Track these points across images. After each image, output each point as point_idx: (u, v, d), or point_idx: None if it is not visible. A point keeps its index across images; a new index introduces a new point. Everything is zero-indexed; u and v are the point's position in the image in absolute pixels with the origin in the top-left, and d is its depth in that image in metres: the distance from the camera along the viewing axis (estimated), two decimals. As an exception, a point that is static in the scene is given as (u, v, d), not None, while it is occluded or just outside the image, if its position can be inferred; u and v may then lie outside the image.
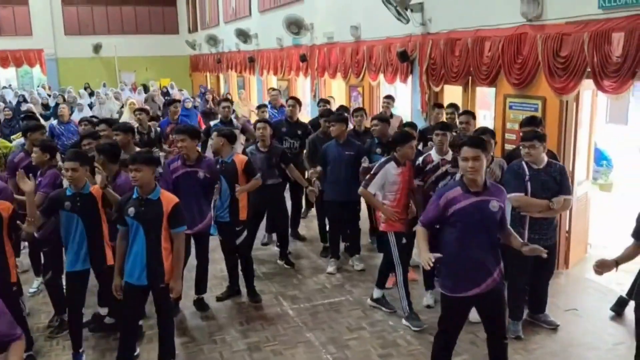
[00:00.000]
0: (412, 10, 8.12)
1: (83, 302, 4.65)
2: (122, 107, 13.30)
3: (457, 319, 3.85)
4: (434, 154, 5.33)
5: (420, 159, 5.36)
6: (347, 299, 5.74)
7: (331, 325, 5.18)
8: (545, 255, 3.70)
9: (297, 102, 7.71)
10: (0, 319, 2.55)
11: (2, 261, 4.11)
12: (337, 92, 11.89)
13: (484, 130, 5.37)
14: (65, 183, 4.69)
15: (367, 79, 10.11)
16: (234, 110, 10.30)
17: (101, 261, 4.52)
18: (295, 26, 12.29)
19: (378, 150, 6.21)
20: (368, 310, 5.45)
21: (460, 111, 6.89)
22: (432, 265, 3.55)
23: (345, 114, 6.82)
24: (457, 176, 4.65)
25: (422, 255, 3.64)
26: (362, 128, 6.95)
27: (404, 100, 9.65)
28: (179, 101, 9.82)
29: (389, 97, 8.20)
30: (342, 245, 6.82)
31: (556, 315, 5.15)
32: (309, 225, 8.12)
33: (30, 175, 4.34)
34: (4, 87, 20.78)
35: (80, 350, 4.55)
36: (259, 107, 9.11)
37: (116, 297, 4.25)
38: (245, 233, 5.68)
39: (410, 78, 8.79)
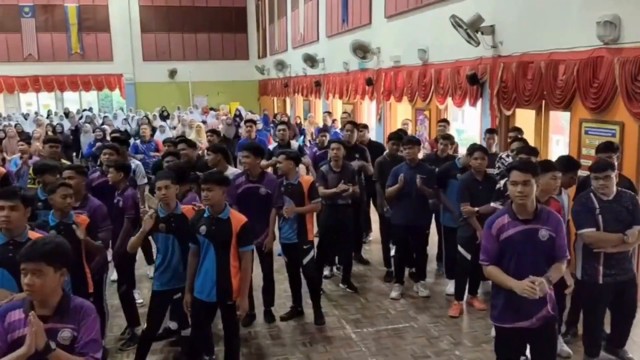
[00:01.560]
0: (482, 33, 8.02)
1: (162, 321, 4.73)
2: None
3: (510, 352, 3.65)
4: None
5: (502, 182, 5.21)
6: (412, 325, 5.63)
7: (395, 352, 5.08)
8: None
9: (355, 126, 7.74)
10: (91, 329, 2.61)
11: (81, 272, 4.29)
12: (403, 115, 11.85)
13: (530, 150, 5.22)
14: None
15: (434, 102, 10.03)
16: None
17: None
18: (362, 50, 12.40)
19: (458, 175, 6.10)
20: (433, 339, 5.32)
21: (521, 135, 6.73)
22: (534, 289, 3.20)
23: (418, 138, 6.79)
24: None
25: (517, 285, 3.27)
26: (445, 154, 6.84)
27: (473, 124, 9.49)
28: (253, 122, 10.01)
29: (444, 121, 8.16)
30: (406, 271, 6.72)
31: (636, 353, 4.84)
32: (371, 249, 8.06)
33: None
34: (84, 110, 22.00)
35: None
36: (320, 131, 9.12)
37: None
38: (312, 253, 5.70)
39: (479, 101, 8.65)
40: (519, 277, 3.33)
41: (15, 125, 14.27)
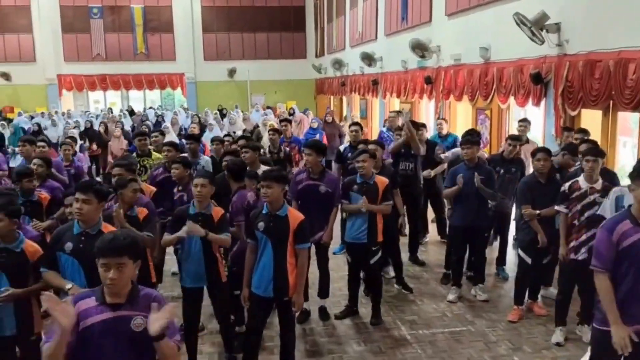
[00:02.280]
0: (547, 31, 7.77)
1: (199, 317, 4.86)
2: (256, 127, 13.99)
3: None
4: (582, 181, 4.95)
5: (567, 184, 5.03)
6: (469, 329, 5.53)
7: (451, 355, 5.01)
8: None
9: (422, 125, 7.65)
10: (173, 330, 2.69)
11: (145, 264, 4.43)
12: (463, 115, 11.64)
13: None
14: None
15: (495, 101, 9.79)
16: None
17: (218, 277, 4.65)
18: (421, 49, 12.25)
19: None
20: (491, 343, 5.20)
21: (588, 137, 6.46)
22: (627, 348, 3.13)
23: (478, 138, 6.65)
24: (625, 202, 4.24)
25: (618, 332, 3.17)
26: (512, 156, 6.69)
27: (536, 124, 9.21)
28: (288, 121, 10.08)
29: (525, 121, 7.78)
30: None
31: None
32: (428, 250, 7.96)
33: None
34: (150, 108, 22.74)
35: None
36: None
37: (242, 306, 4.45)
38: (379, 254, 5.66)
39: (543, 101, 8.39)
40: (636, 290, 3.24)
41: (85, 122, 14.83)
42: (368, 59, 16.61)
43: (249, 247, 4.41)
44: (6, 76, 24.48)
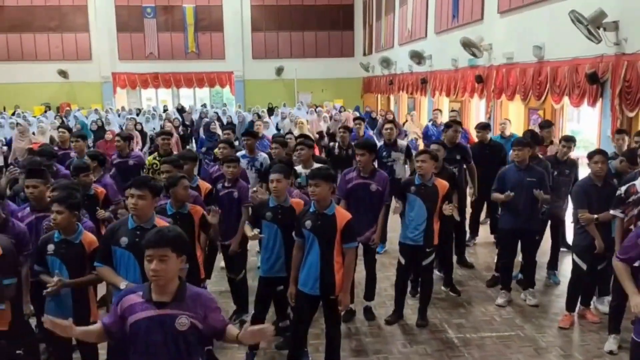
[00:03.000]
0: (604, 29, 7.51)
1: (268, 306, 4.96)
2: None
3: None
4: (639, 185, 4.78)
5: (623, 188, 4.85)
6: (518, 334, 5.40)
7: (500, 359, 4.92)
8: None
9: (459, 124, 7.50)
10: (217, 316, 2.77)
11: (194, 259, 4.54)
12: (515, 114, 11.38)
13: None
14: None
15: (549, 101, 9.53)
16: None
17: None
18: (472, 47, 12.04)
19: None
20: (540, 349, 5.07)
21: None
22: None
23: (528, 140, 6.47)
24: None
25: (634, 299, 3.35)
26: (565, 157, 6.50)
27: (591, 125, 8.93)
28: (362, 119, 10.07)
29: (570, 141, 7.56)
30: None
31: None
32: (477, 253, 7.83)
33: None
34: (209, 105, 23.16)
35: (255, 351, 4.85)
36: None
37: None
38: (433, 256, 5.59)
39: (599, 102, 8.11)
40: None
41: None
42: (417, 57, 16.44)
43: (296, 245, 4.43)
44: (64, 74, 25.41)
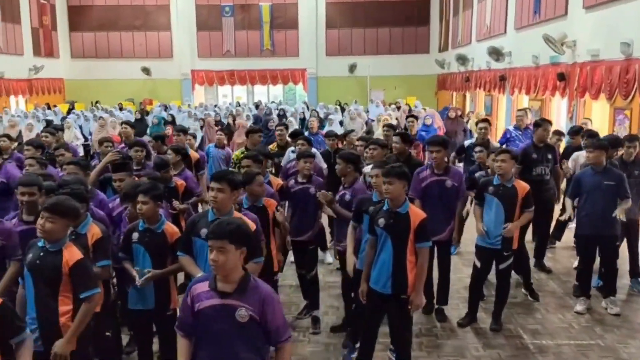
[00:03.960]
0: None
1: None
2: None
3: None
4: None
5: None
6: (598, 343, 5.17)
7: (578, 369, 4.73)
8: None
9: (549, 123, 7.22)
10: (279, 314, 2.82)
11: (268, 252, 4.63)
12: (599, 114, 10.84)
13: None
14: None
15: (637, 100, 9.01)
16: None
17: None
18: (555, 43, 11.56)
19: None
20: (622, 360, 4.84)
21: None
22: None
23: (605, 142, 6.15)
24: None
25: None
26: (632, 158, 6.20)
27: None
28: (415, 117, 9.93)
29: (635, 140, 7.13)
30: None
31: None
32: (556, 257, 7.53)
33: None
34: (272, 102, 23.57)
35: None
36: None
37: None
38: (511, 260, 5.44)
39: (695, 101, 7.59)
40: None
41: (215, 115, 15.72)
42: (496, 53, 15.97)
43: (369, 242, 4.44)
44: (147, 71, 26.55)
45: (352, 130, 9.63)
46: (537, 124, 7.00)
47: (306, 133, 10.40)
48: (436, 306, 5.74)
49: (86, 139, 13.56)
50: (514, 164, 5.38)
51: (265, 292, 2.78)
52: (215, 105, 20.84)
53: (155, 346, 4.39)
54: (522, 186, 5.29)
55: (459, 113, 12.88)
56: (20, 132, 12.89)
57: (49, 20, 25.23)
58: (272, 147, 7.95)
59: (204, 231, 3.79)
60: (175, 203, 5.47)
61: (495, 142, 8.00)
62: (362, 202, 4.63)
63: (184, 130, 8.11)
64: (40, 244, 3.46)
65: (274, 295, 2.85)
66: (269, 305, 2.75)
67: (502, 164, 5.20)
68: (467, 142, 7.47)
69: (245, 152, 7.07)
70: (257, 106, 20.88)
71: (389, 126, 8.39)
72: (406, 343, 4.44)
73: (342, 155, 5.25)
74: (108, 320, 3.94)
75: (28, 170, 5.39)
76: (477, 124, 7.58)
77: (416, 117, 9.50)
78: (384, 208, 4.28)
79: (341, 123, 14.95)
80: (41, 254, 3.43)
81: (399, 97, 22.47)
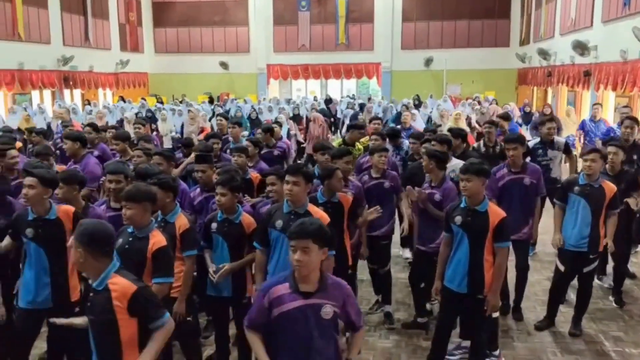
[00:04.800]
0: None
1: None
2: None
3: None
4: None
5: None
6: (688, 355, 4.86)
7: (665, 381, 4.47)
8: None
9: (636, 122, 6.81)
10: (356, 304, 2.93)
11: (343, 248, 4.66)
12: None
13: None
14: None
15: None
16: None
17: None
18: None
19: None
20: None
21: None
22: None
23: None
24: None
25: None
26: None
27: None
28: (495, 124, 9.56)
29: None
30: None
31: None
32: (642, 262, 7.15)
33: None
34: (347, 96, 23.59)
35: None
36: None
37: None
38: (596, 263, 5.23)
39: None
40: None
41: (293, 109, 15.88)
42: (581, 47, 15.25)
43: (444, 240, 4.38)
44: (225, 65, 27.27)
45: (440, 126, 9.47)
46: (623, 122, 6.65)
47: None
48: (512, 304, 5.58)
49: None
50: (602, 164, 5.14)
51: (345, 286, 2.88)
52: (290, 100, 21.12)
53: (232, 330, 4.54)
54: (610, 187, 5.04)
55: (548, 111, 12.38)
56: (107, 123, 13.60)
57: (135, 16, 26.44)
58: (365, 140, 7.98)
59: (279, 223, 3.89)
60: (247, 198, 5.62)
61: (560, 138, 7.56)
62: (452, 210, 4.33)
63: (238, 123, 8.25)
64: (129, 230, 3.68)
65: (348, 287, 2.92)
66: (350, 298, 2.87)
67: (591, 163, 4.97)
68: (531, 143, 7.11)
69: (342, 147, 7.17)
70: (329, 100, 20.96)
71: (491, 123, 7.79)
72: (480, 344, 4.35)
73: (427, 152, 5.19)
74: (188, 305, 4.10)
75: (136, 162, 5.70)
76: (544, 123, 7.19)
77: (495, 124, 8.84)
78: (462, 205, 4.20)
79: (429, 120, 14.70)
80: (130, 239, 3.64)
81: (477, 92, 21.90)
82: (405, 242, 7.02)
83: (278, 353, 2.82)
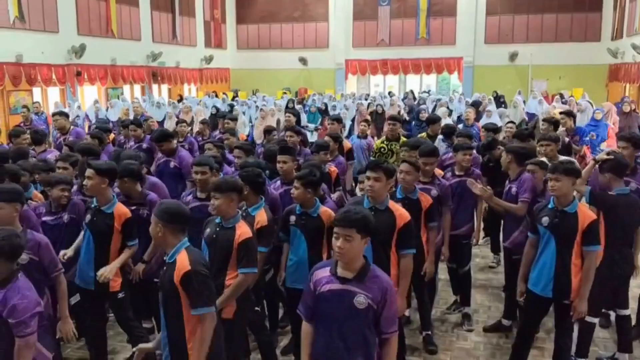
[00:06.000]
0: None
1: None
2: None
3: None
4: None
5: None
6: None
7: None
8: None
9: None
10: (394, 306, 2.88)
11: (419, 245, 4.57)
12: None
13: None
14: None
15: None
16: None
17: None
18: None
19: None
20: None
21: None
22: None
23: None
24: None
25: None
26: None
27: None
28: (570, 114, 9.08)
29: None
30: None
31: None
32: None
33: None
34: (424, 92, 23.21)
35: None
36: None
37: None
38: None
39: None
40: None
41: (369, 105, 15.84)
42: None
43: (529, 241, 4.22)
44: (304, 61, 27.54)
45: (511, 121, 9.15)
46: None
47: (460, 125, 10.11)
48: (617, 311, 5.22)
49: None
50: None
51: (387, 281, 2.87)
52: (368, 95, 21.02)
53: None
54: None
55: (634, 107, 11.58)
56: (192, 117, 14.11)
57: (219, 13, 27.24)
58: (422, 136, 7.83)
59: None
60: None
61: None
62: (539, 210, 4.17)
63: (338, 120, 8.29)
64: (217, 220, 3.81)
65: (392, 287, 2.89)
66: (389, 295, 2.82)
67: None
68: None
69: (385, 142, 7.09)
70: (412, 97, 20.67)
71: (548, 121, 7.75)
72: (565, 350, 4.17)
73: (507, 148, 5.03)
74: (257, 296, 4.21)
75: (207, 153, 5.92)
76: None
77: (570, 114, 8.46)
78: (549, 206, 4.03)
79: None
80: (217, 229, 3.78)
81: (564, 89, 20.91)
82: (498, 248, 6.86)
83: (315, 334, 2.91)
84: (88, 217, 4.28)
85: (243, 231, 3.69)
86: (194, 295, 2.99)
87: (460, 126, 9.73)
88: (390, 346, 2.87)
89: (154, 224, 3.09)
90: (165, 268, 3.13)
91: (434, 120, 8.01)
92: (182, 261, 3.02)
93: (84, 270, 4.27)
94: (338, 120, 8.49)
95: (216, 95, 20.64)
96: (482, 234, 6.47)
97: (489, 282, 6.45)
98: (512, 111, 13.75)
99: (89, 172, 4.22)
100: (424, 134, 7.98)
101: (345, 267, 2.81)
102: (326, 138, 6.66)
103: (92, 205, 4.29)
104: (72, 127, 8.46)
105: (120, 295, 4.27)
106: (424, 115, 11.19)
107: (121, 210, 4.27)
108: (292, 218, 4.32)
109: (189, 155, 6.55)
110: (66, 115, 8.49)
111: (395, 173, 4.18)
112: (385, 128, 7.38)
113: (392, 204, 3.91)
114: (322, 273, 2.89)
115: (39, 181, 5.14)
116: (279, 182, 5.22)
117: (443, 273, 6.07)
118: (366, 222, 2.80)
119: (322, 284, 2.85)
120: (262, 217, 4.18)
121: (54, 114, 8.62)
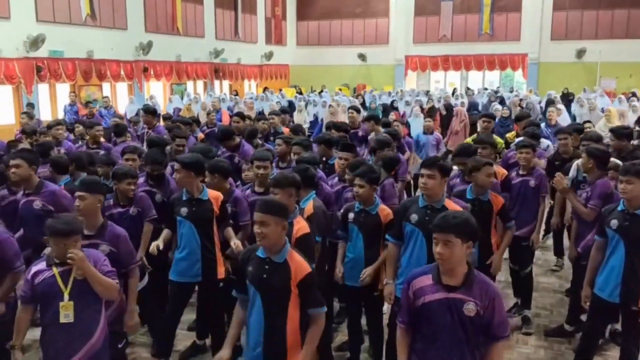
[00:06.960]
0: None
1: None
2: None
3: None
4: None
5: None
6: None
7: None
8: None
9: None
10: (503, 310, 2.81)
11: (487, 247, 4.50)
12: None
13: None
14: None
15: None
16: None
17: None
18: None
19: None
20: None
21: None
22: None
23: None
24: None
25: None
26: None
27: None
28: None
29: None
30: None
31: None
32: None
33: None
34: (485, 89, 22.62)
35: None
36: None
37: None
38: None
39: None
40: None
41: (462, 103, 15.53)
42: None
43: (596, 244, 4.08)
44: (363, 57, 27.47)
45: (588, 121, 8.82)
46: None
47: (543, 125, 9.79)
48: None
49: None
50: None
51: (493, 287, 2.78)
52: (428, 92, 20.73)
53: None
54: None
55: None
56: (256, 113, 14.35)
57: (280, 10, 27.55)
58: (511, 135, 7.70)
59: (414, 217, 3.84)
60: None
61: None
62: (608, 213, 4.00)
63: (357, 110, 8.46)
64: None
65: (498, 290, 2.81)
66: (497, 300, 2.73)
67: None
68: None
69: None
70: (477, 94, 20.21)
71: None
72: (631, 358, 4.00)
73: (588, 150, 4.84)
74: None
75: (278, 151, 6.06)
76: None
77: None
78: (619, 208, 3.88)
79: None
80: None
81: (635, 87, 19.95)
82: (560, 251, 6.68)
83: (417, 344, 2.82)
84: (184, 209, 4.32)
85: (301, 226, 3.71)
86: (312, 297, 3.04)
87: (543, 125, 9.43)
88: (499, 350, 2.78)
89: (275, 225, 2.99)
90: (267, 267, 3.04)
91: (522, 117, 7.79)
92: (299, 262, 3.03)
93: (185, 265, 4.33)
94: (357, 110, 8.58)
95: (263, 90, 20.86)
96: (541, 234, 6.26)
97: (552, 285, 6.27)
98: (580, 110, 13.19)
99: (176, 165, 4.41)
100: (512, 133, 7.88)
101: (449, 273, 2.72)
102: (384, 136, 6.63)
103: (184, 198, 4.39)
104: (157, 123, 8.74)
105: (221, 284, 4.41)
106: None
107: (213, 194, 4.41)
108: (351, 215, 4.32)
109: (252, 149, 6.66)
110: (153, 113, 8.69)
111: (451, 171, 4.11)
112: (480, 126, 7.44)
113: (448, 202, 3.84)
114: (423, 282, 2.77)
115: (102, 174, 5.30)
116: (336, 179, 5.23)
117: (504, 275, 5.95)
118: (467, 226, 2.70)
119: (425, 293, 2.74)
120: (302, 223, 4.15)
121: (144, 110, 8.90)
